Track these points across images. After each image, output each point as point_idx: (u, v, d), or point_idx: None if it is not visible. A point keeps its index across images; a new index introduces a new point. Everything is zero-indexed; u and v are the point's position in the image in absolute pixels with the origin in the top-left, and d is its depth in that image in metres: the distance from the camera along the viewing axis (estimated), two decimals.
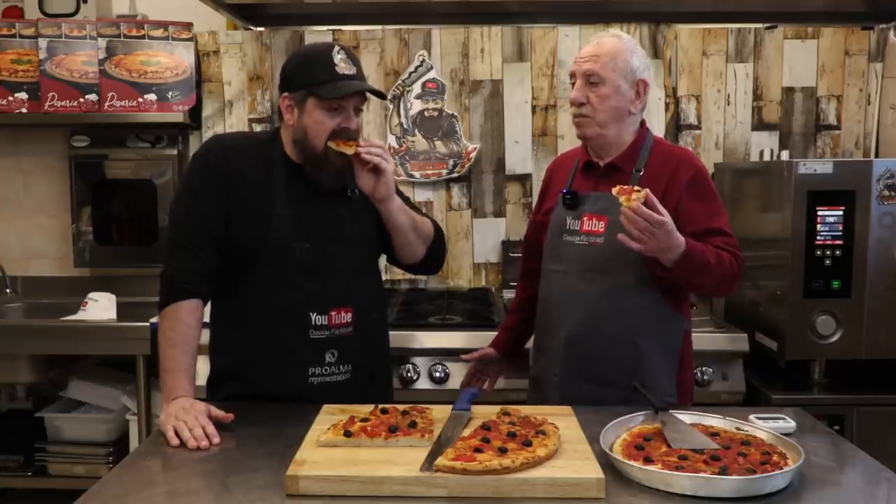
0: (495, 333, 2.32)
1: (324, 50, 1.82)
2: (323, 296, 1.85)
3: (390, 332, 2.61)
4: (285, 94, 1.85)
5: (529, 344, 2.23)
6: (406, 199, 2.11)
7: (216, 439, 1.59)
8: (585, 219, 1.95)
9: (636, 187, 1.70)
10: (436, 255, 2.07)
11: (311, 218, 1.86)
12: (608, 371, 1.92)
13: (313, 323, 1.84)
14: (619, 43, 1.93)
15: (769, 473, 1.34)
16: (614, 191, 1.72)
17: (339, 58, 1.79)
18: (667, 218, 1.69)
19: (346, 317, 1.87)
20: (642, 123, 2.01)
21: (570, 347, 1.95)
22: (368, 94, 1.87)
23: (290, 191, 1.85)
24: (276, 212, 1.83)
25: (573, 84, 1.95)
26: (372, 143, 1.84)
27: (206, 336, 1.93)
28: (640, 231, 1.69)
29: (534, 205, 2.47)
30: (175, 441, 1.59)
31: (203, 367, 1.91)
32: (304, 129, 1.82)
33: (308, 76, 1.80)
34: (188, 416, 1.63)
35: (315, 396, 1.83)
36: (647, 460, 1.41)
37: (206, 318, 1.91)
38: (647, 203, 1.67)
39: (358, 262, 1.92)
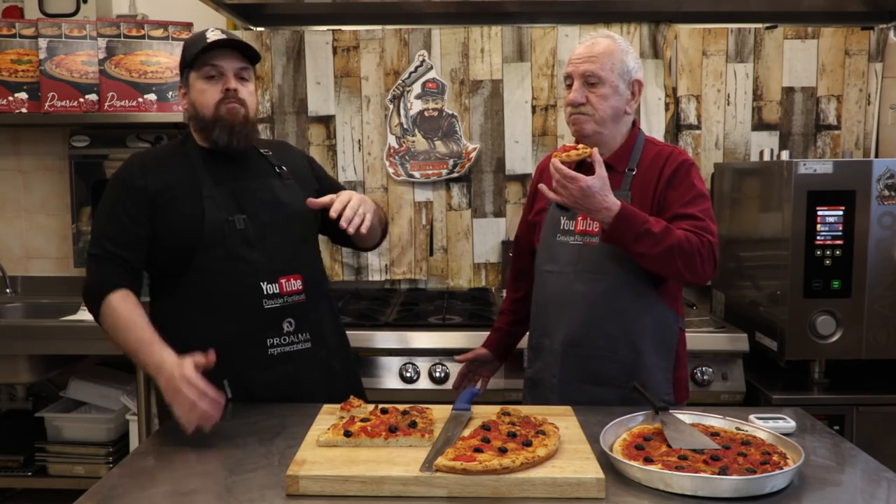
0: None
1: (199, 32, 1.89)
2: (270, 264, 1.86)
3: (391, 332, 2.63)
4: (179, 84, 1.93)
5: (523, 344, 2.22)
6: (336, 184, 2.15)
7: (219, 402, 1.59)
8: (580, 219, 1.95)
9: (579, 145, 1.84)
10: (384, 233, 2.15)
11: (242, 192, 1.88)
12: (607, 371, 1.92)
13: (265, 292, 1.84)
14: (613, 44, 1.93)
15: (769, 473, 1.34)
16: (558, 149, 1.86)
17: (211, 33, 1.86)
18: (592, 179, 1.74)
19: (297, 284, 1.88)
20: (634, 123, 2.01)
21: (569, 348, 1.95)
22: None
23: (216, 174, 1.88)
24: (206, 193, 1.84)
25: (569, 86, 1.95)
26: (345, 211, 1.77)
27: None
28: (556, 183, 1.79)
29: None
30: (192, 428, 1.58)
31: None
32: (193, 105, 1.88)
33: (185, 57, 1.88)
34: (189, 391, 1.57)
35: (278, 367, 1.84)
36: (647, 460, 1.41)
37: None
38: (592, 159, 1.79)
39: (300, 232, 1.94)
